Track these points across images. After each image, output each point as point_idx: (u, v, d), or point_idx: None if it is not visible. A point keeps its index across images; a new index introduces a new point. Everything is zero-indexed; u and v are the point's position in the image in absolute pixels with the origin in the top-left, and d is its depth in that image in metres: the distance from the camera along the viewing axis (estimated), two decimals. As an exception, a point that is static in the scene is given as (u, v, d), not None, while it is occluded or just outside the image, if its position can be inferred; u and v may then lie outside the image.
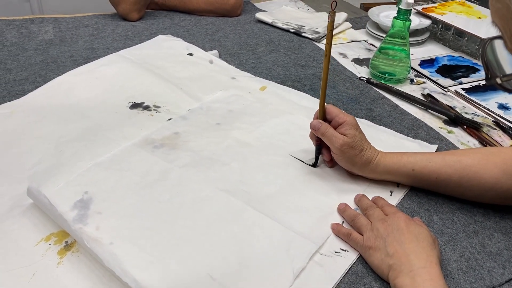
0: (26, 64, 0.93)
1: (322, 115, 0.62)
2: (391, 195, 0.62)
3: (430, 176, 0.60)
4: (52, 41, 1.03)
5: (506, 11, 0.38)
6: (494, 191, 0.58)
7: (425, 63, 1.01)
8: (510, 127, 0.79)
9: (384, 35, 0.91)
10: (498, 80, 0.43)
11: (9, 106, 0.78)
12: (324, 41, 1.09)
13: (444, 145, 0.74)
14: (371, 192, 0.62)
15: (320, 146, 0.65)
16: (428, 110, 0.83)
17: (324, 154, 0.65)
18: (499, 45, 0.43)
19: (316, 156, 0.66)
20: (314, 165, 0.66)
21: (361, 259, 0.53)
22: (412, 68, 0.98)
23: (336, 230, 0.56)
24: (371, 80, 0.92)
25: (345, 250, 0.54)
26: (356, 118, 0.78)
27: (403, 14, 0.86)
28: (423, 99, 0.86)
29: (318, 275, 0.51)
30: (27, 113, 0.76)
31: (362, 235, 0.54)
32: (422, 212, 0.60)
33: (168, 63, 0.93)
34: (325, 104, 0.62)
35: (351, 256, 0.53)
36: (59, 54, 0.97)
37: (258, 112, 0.78)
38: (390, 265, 0.48)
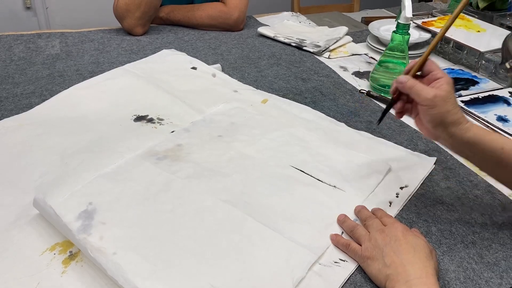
0: (33, 78, 0.95)
1: (417, 70, 0.59)
2: (390, 206, 0.63)
3: None
4: (58, 55, 1.06)
5: None
6: None
7: (425, 76, 1.02)
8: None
9: (384, 49, 0.93)
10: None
11: (17, 119, 0.79)
12: (325, 55, 1.12)
13: (443, 157, 0.75)
14: (371, 203, 0.63)
15: (395, 100, 0.61)
16: (428, 122, 0.84)
17: (396, 105, 0.61)
18: None
19: (384, 112, 0.64)
20: (379, 122, 0.65)
21: (360, 269, 0.54)
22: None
23: (335, 241, 0.57)
24: (371, 93, 0.93)
25: (344, 260, 0.55)
26: (356, 130, 0.80)
27: (402, 28, 0.88)
28: (422, 111, 0.88)
29: (317, 285, 0.52)
30: (34, 126, 0.77)
31: (361, 245, 0.55)
32: (420, 223, 0.61)
33: (172, 77, 0.95)
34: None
35: (350, 266, 0.54)
36: (65, 68, 1.00)
37: (260, 124, 0.80)
38: (387, 275, 0.49)
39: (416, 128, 0.81)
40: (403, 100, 0.61)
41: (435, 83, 0.56)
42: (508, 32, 1.05)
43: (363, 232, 0.56)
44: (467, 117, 0.57)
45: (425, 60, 0.59)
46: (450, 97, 0.55)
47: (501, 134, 0.57)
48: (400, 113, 0.62)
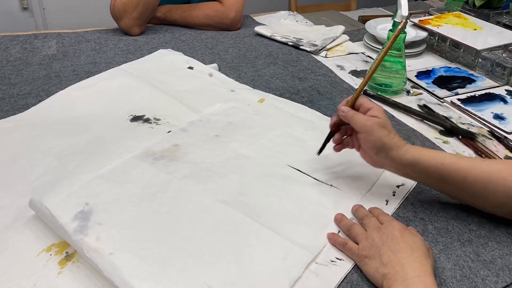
0: (30, 78, 0.95)
1: (352, 102, 0.62)
2: (386, 204, 0.63)
3: (458, 174, 0.57)
4: (55, 56, 1.06)
5: None
6: None
7: (422, 74, 1.02)
8: (505, 137, 0.80)
9: (381, 47, 0.93)
10: None
11: (13, 120, 0.79)
12: (322, 54, 1.12)
13: (440, 155, 0.75)
14: (367, 202, 0.63)
15: (333, 133, 0.65)
16: (424, 121, 0.85)
17: (334, 138, 0.65)
18: None
19: (323, 144, 0.67)
20: (319, 152, 0.67)
21: (357, 268, 0.54)
22: (409, 80, 0.99)
23: (332, 240, 0.57)
24: (368, 91, 0.93)
25: (340, 259, 0.55)
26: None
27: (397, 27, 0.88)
28: (419, 110, 0.88)
29: (314, 284, 0.52)
30: (31, 127, 0.77)
31: (358, 244, 0.55)
32: (417, 221, 0.61)
33: (168, 77, 0.95)
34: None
35: (346, 265, 0.54)
36: (62, 69, 0.99)
37: (257, 124, 0.80)
38: (384, 274, 0.49)
39: (413, 127, 0.82)
40: (341, 133, 0.65)
41: (369, 112, 0.60)
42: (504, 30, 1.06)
43: (360, 231, 0.56)
44: (405, 141, 0.61)
45: (359, 94, 0.62)
46: (386, 122, 0.59)
47: (439, 150, 0.62)
48: (339, 145, 0.65)
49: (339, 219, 0.59)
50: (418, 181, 0.64)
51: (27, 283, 0.50)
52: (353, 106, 0.62)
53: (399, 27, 0.64)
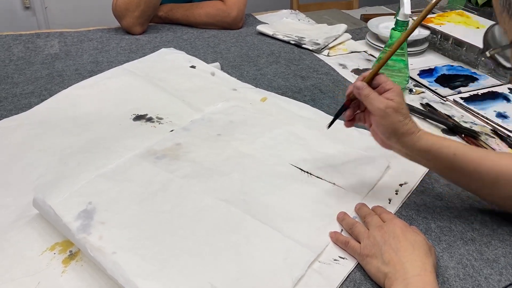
0: (32, 78, 0.95)
1: (370, 78, 0.59)
2: (389, 203, 0.63)
3: (469, 165, 0.57)
4: (57, 55, 1.06)
5: None
6: None
7: (424, 73, 1.02)
8: (508, 135, 0.80)
9: (383, 46, 0.93)
10: (488, 53, 0.43)
11: (16, 119, 0.80)
12: (324, 52, 1.11)
13: (443, 154, 0.74)
14: (370, 201, 0.63)
15: (347, 107, 0.62)
16: (427, 119, 0.84)
17: (346, 113, 0.63)
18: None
19: (335, 117, 0.64)
20: (329, 126, 0.65)
21: (360, 266, 0.54)
22: (411, 78, 0.99)
23: (335, 238, 0.57)
24: (370, 90, 0.93)
25: (343, 258, 0.55)
26: (355, 128, 0.80)
27: (400, 25, 0.87)
28: (421, 108, 0.88)
29: (317, 283, 0.52)
30: (33, 126, 0.77)
31: (360, 243, 0.55)
32: (420, 220, 0.61)
33: (170, 76, 0.95)
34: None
35: (349, 264, 0.54)
36: (64, 68, 1.00)
37: (259, 123, 0.80)
38: (386, 273, 0.49)
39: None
40: (353, 107, 0.62)
41: (386, 94, 0.57)
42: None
43: (362, 230, 0.56)
44: (419, 126, 0.59)
45: (379, 68, 0.59)
46: (401, 107, 0.57)
47: (453, 139, 0.59)
48: (350, 121, 0.63)
49: (341, 218, 0.59)
50: (428, 168, 0.62)
51: (31, 281, 0.50)
52: (371, 83, 0.59)
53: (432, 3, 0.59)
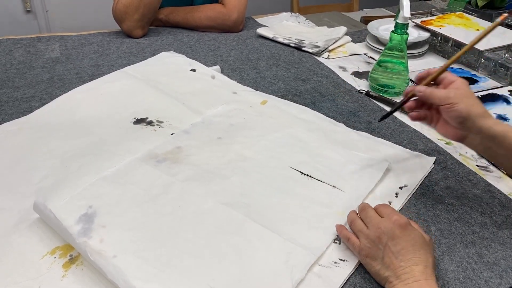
0: (33, 82, 0.95)
1: (429, 82, 0.61)
2: (389, 205, 0.63)
3: None
4: (58, 59, 1.06)
5: None
6: None
7: (424, 75, 1.02)
8: (508, 137, 0.79)
9: (383, 48, 0.93)
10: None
11: (17, 123, 0.80)
12: (324, 55, 1.12)
13: (443, 157, 0.75)
14: (370, 203, 0.62)
15: (404, 102, 0.64)
16: (427, 121, 0.84)
17: (408, 105, 0.63)
18: None
19: (392, 110, 0.66)
20: (381, 119, 0.68)
21: (360, 269, 0.54)
22: (411, 81, 0.99)
23: (339, 231, 0.57)
24: (370, 93, 0.93)
25: (343, 260, 0.55)
26: (355, 130, 0.80)
27: (400, 28, 0.88)
28: (421, 111, 0.88)
29: (317, 286, 0.52)
30: (34, 130, 0.78)
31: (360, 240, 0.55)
32: (420, 223, 0.61)
33: (171, 79, 0.95)
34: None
35: (349, 267, 0.54)
36: (65, 72, 1.00)
37: (259, 125, 0.80)
38: (386, 277, 0.50)
39: (416, 128, 0.82)
40: (415, 103, 0.62)
41: (452, 85, 0.58)
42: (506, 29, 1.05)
43: (360, 227, 0.55)
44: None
45: (443, 71, 0.60)
46: (470, 93, 0.57)
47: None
48: (415, 113, 0.63)
49: (348, 215, 0.59)
50: (496, 158, 0.61)
51: (32, 285, 0.50)
52: (433, 84, 0.61)
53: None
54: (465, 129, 0.58)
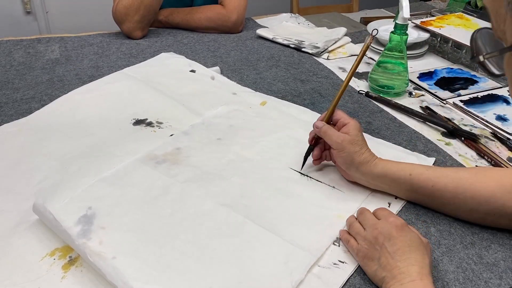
0: (33, 83, 0.95)
1: (328, 117, 0.66)
2: (389, 206, 0.63)
3: (427, 183, 0.60)
4: (58, 60, 1.06)
5: None
6: (488, 205, 0.57)
7: (424, 76, 1.02)
8: (508, 138, 0.79)
9: (383, 49, 0.93)
10: (481, 58, 0.43)
11: (17, 124, 0.80)
12: (324, 56, 1.12)
13: (442, 157, 0.75)
14: (370, 204, 0.63)
15: (313, 147, 0.68)
16: (426, 122, 0.85)
17: (314, 153, 0.67)
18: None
19: (304, 159, 0.69)
20: (302, 167, 0.69)
21: (359, 271, 0.54)
22: (411, 81, 0.99)
23: (341, 234, 0.58)
24: (370, 93, 0.93)
25: (343, 262, 0.55)
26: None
27: (400, 29, 0.88)
28: (421, 111, 0.88)
29: (317, 287, 0.52)
30: (34, 131, 0.78)
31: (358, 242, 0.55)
32: (419, 224, 0.61)
33: (170, 80, 0.95)
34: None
35: (349, 268, 0.54)
36: (65, 73, 1.00)
37: (259, 126, 0.80)
38: (383, 277, 0.50)
39: (415, 129, 0.81)
40: (320, 147, 0.67)
41: (344, 129, 0.63)
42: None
43: (358, 230, 0.56)
44: (374, 154, 0.64)
45: (334, 109, 0.66)
46: (357, 139, 0.62)
47: (409, 162, 0.65)
48: (318, 160, 0.68)
49: (348, 218, 0.60)
50: (389, 192, 0.65)
51: (31, 287, 0.50)
52: (331, 120, 0.66)
53: None
54: (352, 173, 0.64)
